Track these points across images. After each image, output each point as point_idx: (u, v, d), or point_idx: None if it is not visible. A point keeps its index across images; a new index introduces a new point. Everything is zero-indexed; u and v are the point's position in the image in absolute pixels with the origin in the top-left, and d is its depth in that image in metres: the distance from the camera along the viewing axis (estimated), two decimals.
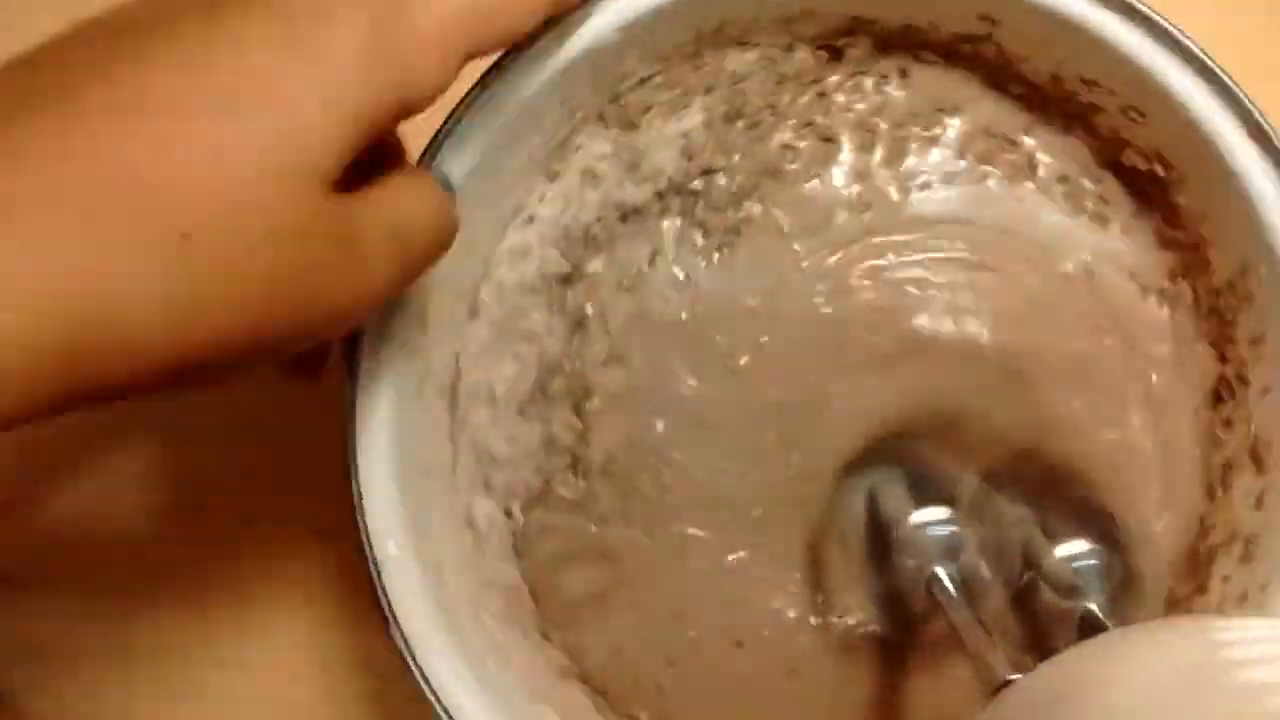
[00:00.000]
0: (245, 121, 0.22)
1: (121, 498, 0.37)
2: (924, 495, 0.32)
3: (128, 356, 0.21)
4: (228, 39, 0.22)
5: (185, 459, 0.37)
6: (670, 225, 0.34)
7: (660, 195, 0.34)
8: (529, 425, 0.34)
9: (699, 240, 0.34)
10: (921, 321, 0.33)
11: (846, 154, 0.34)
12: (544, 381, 0.34)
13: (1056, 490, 0.33)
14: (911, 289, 0.33)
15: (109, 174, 0.20)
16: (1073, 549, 0.32)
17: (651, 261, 0.34)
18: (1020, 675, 0.25)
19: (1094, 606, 0.31)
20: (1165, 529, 0.33)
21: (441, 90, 0.24)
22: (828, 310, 0.34)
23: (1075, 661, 0.23)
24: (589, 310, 0.34)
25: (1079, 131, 0.34)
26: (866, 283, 0.34)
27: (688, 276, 0.34)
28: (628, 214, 0.34)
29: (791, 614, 0.33)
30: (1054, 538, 0.33)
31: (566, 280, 0.34)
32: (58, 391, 0.20)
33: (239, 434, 0.37)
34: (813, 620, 0.33)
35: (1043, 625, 0.32)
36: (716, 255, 0.34)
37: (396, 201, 0.25)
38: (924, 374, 0.33)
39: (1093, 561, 0.32)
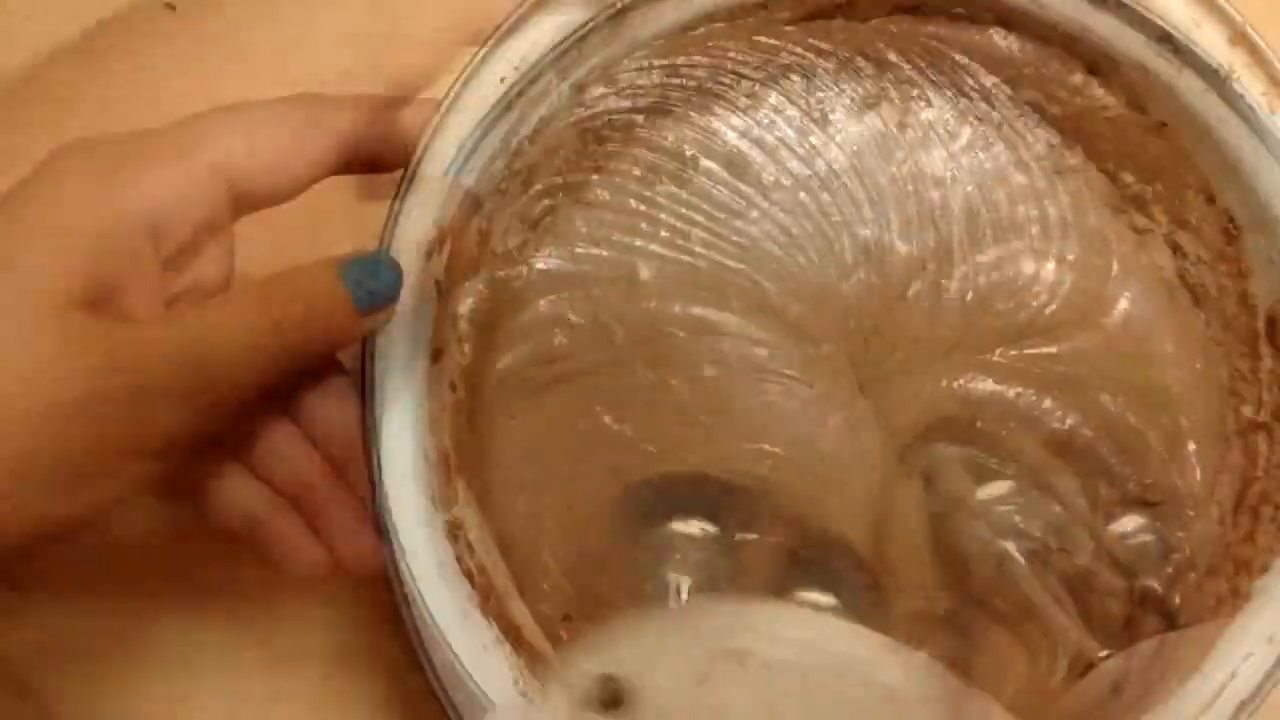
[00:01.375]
0: None
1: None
2: (983, 471, 0.31)
3: None
4: None
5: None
6: None
7: None
8: None
9: None
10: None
11: None
12: None
13: (1115, 463, 0.32)
14: None
15: None
16: (1128, 525, 0.32)
17: None
18: (1110, 652, 0.24)
19: (1154, 584, 0.30)
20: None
21: None
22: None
23: None
24: None
25: None
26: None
27: None
28: None
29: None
30: (1109, 514, 0.32)
31: None
32: None
33: None
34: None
35: (1100, 604, 0.31)
36: None
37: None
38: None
39: (1149, 537, 0.31)
